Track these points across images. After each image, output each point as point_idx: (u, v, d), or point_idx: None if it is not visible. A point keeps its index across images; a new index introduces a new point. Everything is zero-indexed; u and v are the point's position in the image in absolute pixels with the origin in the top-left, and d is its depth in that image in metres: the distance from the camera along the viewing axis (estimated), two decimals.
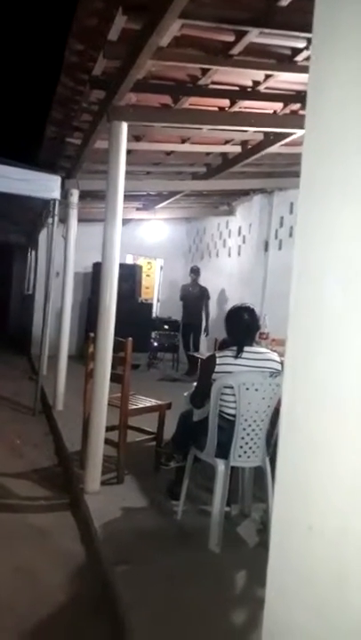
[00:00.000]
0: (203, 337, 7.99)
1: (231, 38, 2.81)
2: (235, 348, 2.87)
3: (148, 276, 10.10)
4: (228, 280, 8.15)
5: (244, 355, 2.84)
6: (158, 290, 10.40)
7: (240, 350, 2.85)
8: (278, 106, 3.82)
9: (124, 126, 3.34)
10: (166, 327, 8.84)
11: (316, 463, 1.04)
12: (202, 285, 8.14)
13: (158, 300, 10.31)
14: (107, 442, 3.46)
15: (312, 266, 1.09)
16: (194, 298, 8.07)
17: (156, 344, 8.70)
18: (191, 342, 8.09)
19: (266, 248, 7.07)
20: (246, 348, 2.86)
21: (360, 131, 0.98)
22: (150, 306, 9.56)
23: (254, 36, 2.73)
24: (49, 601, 2.34)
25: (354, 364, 0.96)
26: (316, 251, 1.08)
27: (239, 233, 7.93)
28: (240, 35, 2.75)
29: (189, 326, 8.12)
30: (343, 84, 1.01)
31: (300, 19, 2.50)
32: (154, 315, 9.55)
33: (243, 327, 2.93)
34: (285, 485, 1.13)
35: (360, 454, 0.94)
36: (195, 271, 8.23)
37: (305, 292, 1.11)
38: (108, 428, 3.50)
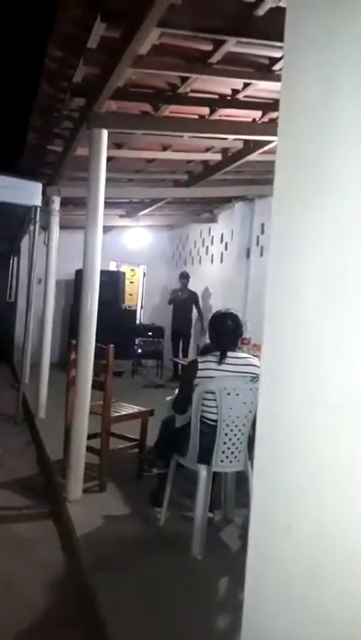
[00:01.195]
0: (193, 340, 7.97)
1: (209, 47, 2.85)
2: (217, 353, 2.88)
3: (131, 282, 10.09)
4: (210, 287, 8.18)
5: (227, 360, 2.86)
6: (142, 297, 10.39)
7: (223, 356, 2.86)
8: (257, 114, 3.87)
9: (105, 134, 3.35)
10: (150, 334, 8.83)
11: (292, 462, 1.05)
12: (191, 290, 8.16)
13: (142, 307, 10.30)
14: (89, 449, 3.43)
15: (287, 271, 1.10)
16: (183, 303, 8.07)
17: (140, 351, 8.68)
18: (180, 348, 8.08)
19: (248, 255, 7.12)
20: (229, 354, 2.87)
21: (332, 137, 1.00)
22: (134, 312, 9.54)
23: (232, 45, 2.76)
24: (28, 610, 2.30)
25: (329, 366, 0.98)
26: (291, 256, 1.09)
27: (221, 240, 7.98)
28: (218, 44, 2.79)
29: (179, 331, 8.11)
30: (314, 91, 1.04)
31: (277, 28, 2.51)
32: (138, 321, 9.53)
33: (226, 333, 2.94)
34: (263, 485, 1.14)
35: (336, 452, 0.96)
36: (184, 276, 8.24)
37: (280, 297, 1.13)
38: (91, 436, 3.48)
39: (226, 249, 7.80)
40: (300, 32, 1.09)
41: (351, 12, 0.94)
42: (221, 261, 7.94)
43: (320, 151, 1.02)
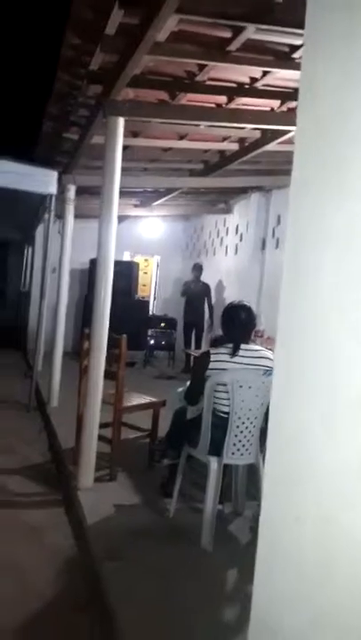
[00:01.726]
0: (205, 334, 7.96)
1: (228, 34, 2.80)
2: (230, 345, 2.86)
3: (145, 273, 10.08)
4: (225, 278, 8.14)
5: (240, 352, 2.84)
6: (155, 287, 10.38)
7: (237, 348, 2.84)
8: (276, 103, 3.81)
9: (121, 122, 3.32)
10: (163, 325, 8.82)
11: (302, 455, 1.04)
12: (204, 282, 8.13)
13: (155, 298, 10.29)
14: (100, 439, 3.45)
15: (303, 264, 1.09)
16: (196, 294, 8.05)
17: (152, 342, 8.69)
18: (193, 339, 8.07)
19: (263, 246, 7.06)
20: (242, 346, 2.85)
21: (351, 127, 0.97)
22: (147, 303, 9.53)
23: (251, 32, 2.71)
24: (38, 597, 2.33)
25: (342, 360, 0.96)
26: (308, 249, 1.07)
27: (236, 231, 7.91)
28: (237, 31, 2.74)
29: (192, 323, 8.09)
30: (333, 81, 1.01)
31: (297, 15, 2.46)
32: (150, 312, 9.53)
33: (239, 325, 2.91)
34: (274, 477, 1.14)
35: (345, 445, 0.95)
36: (198, 268, 8.21)
37: (295, 290, 1.11)
38: (102, 425, 3.50)
39: (241, 240, 7.74)
40: (320, 21, 1.06)
41: None
42: (236, 253, 7.88)
43: (339, 142, 1.00)
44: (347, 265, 0.96)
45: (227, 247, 8.28)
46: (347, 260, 0.96)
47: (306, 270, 1.07)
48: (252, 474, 3.00)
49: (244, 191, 7.31)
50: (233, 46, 2.90)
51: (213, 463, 2.76)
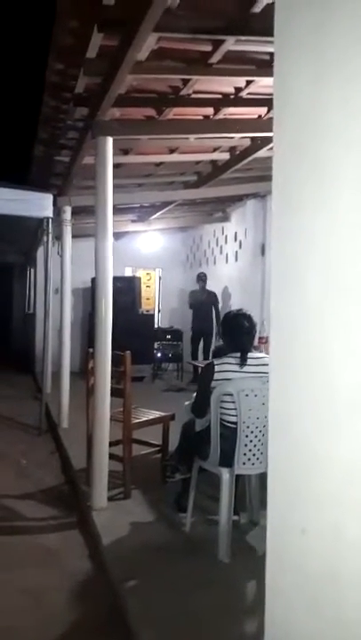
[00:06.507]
0: (213, 343, 7.93)
1: (209, 48, 2.83)
2: (236, 354, 2.85)
3: (147, 287, 10.11)
4: (227, 286, 8.14)
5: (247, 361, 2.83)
6: (159, 300, 10.40)
7: (244, 357, 2.82)
8: (262, 110, 3.84)
9: (110, 141, 3.36)
10: (169, 337, 8.83)
11: (304, 464, 1.03)
12: (210, 291, 8.13)
13: (159, 311, 10.31)
14: (112, 457, 3.44)
15: (290, 267, 1.09)
16: (203, 304, 8.04)
17: (159, 354, 8.68)
18: (201, 349, 8.03)
19: (262, 252, 7.07)
20: (247, 354, 2.85)
21: (325, 128, 0.98)
22: (152, 317, 9.54)
23: (231, 43, 2.74)
24: (57, 621, 2.31)
25: (335, 363, 0.96)
26: (294, 253, 1.08)
27: (235, 238, 7.93)
28: (217, 44, 2.77)
29: (200, 332, 8.05)
30: (305, 86, 1.02)
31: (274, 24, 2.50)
32: (156, 325, 9.54)
33: (244, 334, 2.91)
34: (277, 490, 1.13)
35: (348, 455, 0.93)
36: (202, 278, 8.21)
37: (283, 296, 1.11)
38: (113, 443, 3.49)
39: (240, 247, 7.75)
40: (289, 31, 1.07)
41: (338, 9, 0.92)
42: (236, 260, 7.89)
43: (313, 143, 1.01)
44: (333, 265, 0.96)
45: (227, 255, 8.29)
46: (331, 260, 0.97)
47: (293, 274, 1.07)
48: (266, 482, 2.97)
49: (239, 198, 7.34)
50: (214, 59, 2.94)
51: (225, 474, 2.74)
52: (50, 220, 5.45)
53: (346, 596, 0.94)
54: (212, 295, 8.06)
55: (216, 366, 2.85)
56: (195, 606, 2.27)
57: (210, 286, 8.21)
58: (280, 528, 1.11)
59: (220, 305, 8.01)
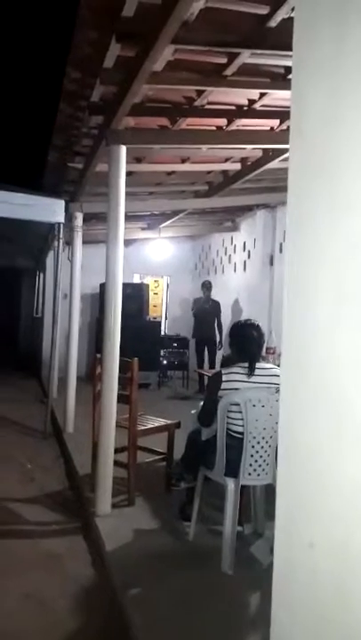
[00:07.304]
0: (217, 351, 7.92)
1: (224, 60, 2.86)
2: (244, 364, 2.85)
3: (155, 294, 10.14)
4: (235, 296, 8.15)
5: (255, 372, 2.83)
6: (166, 308, 10.43)
7: (252, 367, 2.83)
8: (275, 122, 3.87)
9: (123, 149, 3.39)
10: (175, 345, 8.83)
11: (314, 481, 1.03)
12: (214, 299, 8.13)
13: (166, 318, 10.33)
14: (117, 463, 3.44)
15: (303, 280, 1.10)
16: (207, 312, 8.04)
17: (165, 362, 8.68)
18: (206, 358, 8.03)
19: (271, 262, 7.08)
20: (255, 365, 2.85)
21: (340, 142, 0.99)
22: (159, 324, 9.56)
23: (246, 57, 2.77)
24: (60, 627, 2.31)
25: (347, 377, 0.96)
26: (307, 266, 1.08)
27: (244, 248, 7.95)
28: (232, 56, 2.80)
29: (203, 341, 8.05)
30: (324, 100, 1.03)
31: (290, 39, 2.53)
32: (163, 333, 9.55)
33: (252, 344, 2.91)
34: (286, 503, 1.13)
35: (353, 466, 0.94)
36: (207, 286, 8.22)
37: (297, 309, 1.12)
38: (118, 450, 3.49)
39: (249, 257, 7.77)
40: (307, 45, 1.08)
41: (357, 24, 0.94)
42: (245, 270, 7.91)
43: (327, 157, 1.02)
44: (346, 278, 0.97)
45: (235, 264, 8.31)
46: (346, 274, 0.97)
47: (306, 285, 1.08)
48: (271, 493, 2.96)
49: (249, 209, 7.37)
50: (229, 71, 2.97)
51: (230, 485, 2.74)
52: (61, 226, 5.49)
53: (354, 612, 0.93)
54: (216, 304, 8.06)
55: (224, 375, 2.86)
56: (197, 617, 2.26)
57: (217, 295, 8.22)
58: (288, 542, 1.11)
59: (222, 315, 8.00)
